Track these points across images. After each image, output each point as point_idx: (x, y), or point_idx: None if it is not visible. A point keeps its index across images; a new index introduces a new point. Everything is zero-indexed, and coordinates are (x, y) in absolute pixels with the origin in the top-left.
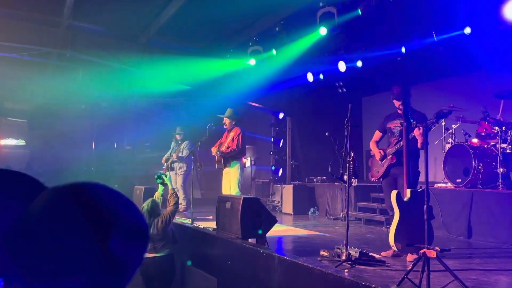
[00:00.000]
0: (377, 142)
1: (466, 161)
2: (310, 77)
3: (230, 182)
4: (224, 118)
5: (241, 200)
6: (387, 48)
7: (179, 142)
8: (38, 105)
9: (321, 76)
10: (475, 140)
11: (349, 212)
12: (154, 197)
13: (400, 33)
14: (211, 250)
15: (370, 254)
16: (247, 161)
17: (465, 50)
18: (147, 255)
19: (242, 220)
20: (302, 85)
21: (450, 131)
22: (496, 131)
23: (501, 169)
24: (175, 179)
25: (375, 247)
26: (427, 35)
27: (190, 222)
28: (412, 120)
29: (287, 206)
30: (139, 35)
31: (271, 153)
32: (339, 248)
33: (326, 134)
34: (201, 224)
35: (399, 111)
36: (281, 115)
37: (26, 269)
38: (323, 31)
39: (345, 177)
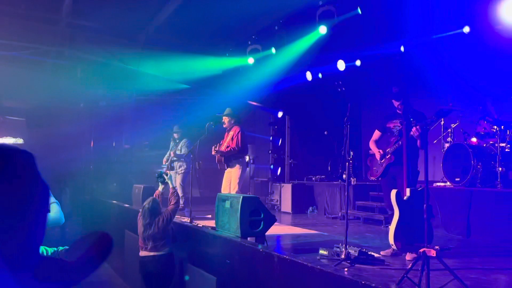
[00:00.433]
0: (377, 142)
1: (465, 160)
2: (309, 76)
3: (231, 181)
4: (223, 117)
5: (241, 199)
6: (386, 47)
7: (177, 140)
8: (36, 104)
9: (320, 75)
10: (474, 139)
11: (348, 211)
12: (154, 196)
13: (399, 32)
14: (210, 249)
15: (369, 253)
16: (248, 158)
17: (464, 48)
18: (148, 253)
19: (242, 219)
20: (301, 84)
21: (449, 130)
22: (495, 130)
23: (500, 168)
24: (175, 178)
25: (374, 246)
26: (425, 34)
27: (189, 221)
28: (412, 119)
29: (286, 205)
30: (138, 34)
31: (269, 152)
32: (338, 247)
33: (325, 133)
34: (200, 223)
35: (398, 111)
36: (280, 114)
37: None
38: (322, 29)
39: (344, 176)
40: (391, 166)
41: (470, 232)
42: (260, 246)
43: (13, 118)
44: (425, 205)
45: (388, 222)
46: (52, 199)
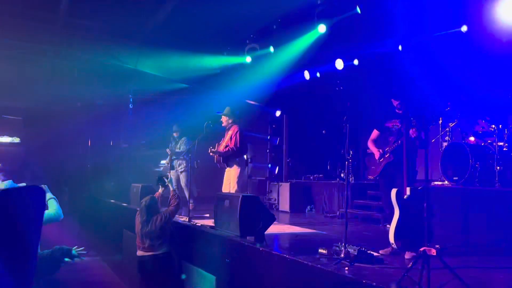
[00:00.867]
0: (375, 141)
1: (463, 159)
2: (307, 75)
3: (230, 180)
4: (222, 116)
5: (240, 198)
6: (384, 46)
7: (177, 139)
8: (34, 103)
9: (318, 74)
10: (472, 138)
11: (347, 209)
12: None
13: (397, 31)
14: (210, 248)
15: (368, 252)
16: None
17: (462, 47)
18: (145, 253)
19: (241, 218)
20: (299, 83)
21: (447, 129)
22: (493, 129)
23: (498, 167)
24: (176, 177)
25: (372, 245)
26: (424, 33)
27: (187, 220)
28: (412, 118)
29: (284, 204)
30: (135, 33)
31: (267, 151)
32: (337, 246)
33: (323, 132)
34: (199, 222)
35: (397, 110)
36: (277, 113)
37: None
38: (321, 28)
39: (343, 175)
40: (390, 165)
41: (469, 231)
42: (259, 245)
43: (10, 117)
44: (425, 204)
45: (386, 221)
46: (49, 195)
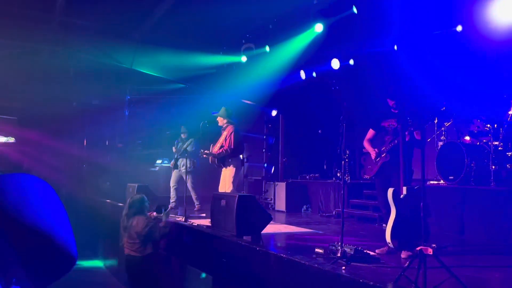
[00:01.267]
0: (371, 141)
1: (458, 159)
2: (303, 74)
3: (226, 180)
4: (218, 117)
5: (236, 198)
6: (380, 46)
7: (185, 140)
8: (29, 102)
9: (314, 74)
10: (467, 138)
11: (344, 209)
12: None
13: (393, 31)
14: (206, 248)
15: (365, 251)
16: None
17: (457, 47)
18: (128, 252)
19: (237, 217)
20: (295, 82)
21: (443, 128)
22: (488, 129)
23: (493, 167)
24: (177, 176)
25: (368, 244)
26: (419, 33)
27: (183, 220)
28: (408, 118)
29: (280, 203)
30: (132, 32)
31: (263, 150)
32: (334, 246)
33: (319, 131)
34: (195, 222)
35: (393, 110)
36: (274, 113)
37: None
38: (318, 28)
39: (339, 174)
40: (386, 165)
41: (464, 230)
42: (256, 245)
43: (4, 117)
44: (422, 204)
45: (382, 220)
46: None
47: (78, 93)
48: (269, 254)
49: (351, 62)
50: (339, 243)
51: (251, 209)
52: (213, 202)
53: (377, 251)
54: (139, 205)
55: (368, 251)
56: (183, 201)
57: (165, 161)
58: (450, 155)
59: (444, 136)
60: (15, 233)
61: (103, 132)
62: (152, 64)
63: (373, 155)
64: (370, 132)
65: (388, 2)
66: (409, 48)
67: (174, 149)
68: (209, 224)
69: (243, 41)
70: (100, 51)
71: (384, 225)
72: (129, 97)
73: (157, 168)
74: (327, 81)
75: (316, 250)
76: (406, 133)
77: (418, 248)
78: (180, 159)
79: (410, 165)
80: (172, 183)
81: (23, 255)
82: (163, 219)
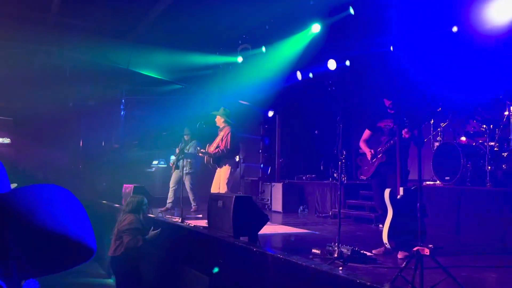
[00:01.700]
0: (367, 141)
1: (454, 159)
2: (299, 75)
3: (220, 181)
4: (217, 116)
5: (233, 199)
6: (376, 47)
7: (188, 142)
8: (25, 103)
9: (310, 75)
10: (463, 138)
11: (340, 210)
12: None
13: (390, 31)
14: (203, 249)
15: (361, 252)
16: (238, 158)
17: (453, 47)
18: (113, 253)
19: (234, 218)
20: (292, 83)
21: (439, 129)
22: (484, 129)
23: (489, 167)
24: (177, 177)
25: (365, 245)
26: (415, 33)
27: (180, 221)
28: (405, 119)
29: (277, 204)
30: (128, 33)
31: (260, 151)
32: (331, 246)
33: (316, 132)
34: (192, 223)
35: (389, 110)
36: (270, 113)
37: None
38: (315, 28)
39: (336, 175)
40: (383, 166)
41: (460, 230)
42: (253, 246)
43: (0, 117)
44: (418, 204)
45: (379, 220)
46: None
47: (74, 93)
48: (266, 254)
49: (347, 63)
50: (336, 244)
51: (248, 210)
52: (210, 203)
53: (374, 251)
54: (136, 205)
55: (365, 252)
56: (180, 202)
57: (162, 162)
58: (446, 155)
59: (440, 137)
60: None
61: (99, 132)
62: (148, 65)
63: (368, 156)
64: (366, 133)
65: (385, 3)
66: (405, 49)
67: (177, 150)
68: (206, 225)
69: (240, 42)
70: (96, 51)
71: (380, 225)
72: (125, 98)
73: (154, 169)
74: (324, 82)
75: (313, 250)
76: (405, 131)
77: (415, 249)
78: (182, 160)
79: (406, 166)
80: (172, 183)
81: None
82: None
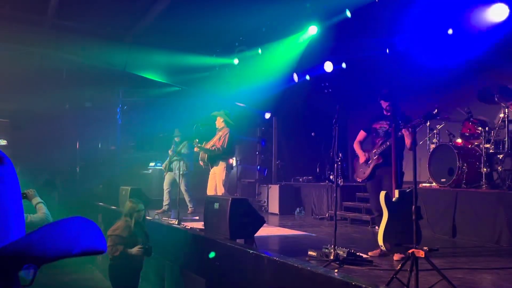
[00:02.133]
0: (361, 143)
1: (450, 161)
2: (296, 77)
3: (216, 182)
4: (217, 117)
5: (230, 201)
6: (373, 49)
7: (178, 143)
8: (21, 105)
9: (307, 77)
10: (459, 140)
11: (336, 212)
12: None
13: (386, 34)
14: (199, 251)
15: (357, 254)
16: (233, 161)
17: (449, 49)
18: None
19: (231, 220)
20: (289, 85)
21: (435, 131)
22: (479, 132)
23: (485, 169)
24: (170, 179)
25: (361, 247)
26: (412, 35)
27: (177, 223)
28: (400, 121)
29: (273, 206)
30: (124, 35)
31: (257, 153)
32: (327, 248)
33: (312, 134)
34: (188, 225)
35: (385, 112)
36: (267, 115)
37: None
38: (312, 31)
39: (332, 177)
40: (378, 168)
41: (456, 232)
42: (249, 248)
43: None
44: (413, 207)
45: (375, 223)
46: (38, 199)
47: (70, 95)
48: (262, 257)
49: (344, 65)
50: (332, 246)
51: (244, 212)
52: (206, 205)
53: (369, 253)
54: (128, 210)
55: (360, 254)
56: (176, 204)
57: (158, 164)
58: (442, 157)
59: (436, 139)
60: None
61: (96, 134)
62: (145, 67)
63: (362, 158)
64: (361, 134)
65: (382, 6)
66: (401, 52)
67: (170, 152)
68: (202, 227)
69: (236, 44)
70: (93, 53)
71: (376, 227)
72: (122, 100)
73: (150, 170)
74: (320, 84)
75: (309, 252)
76: (401, 132)
77: (409, 251)
78: (174, 162)
79: (401, 168)
80: (165, 186)
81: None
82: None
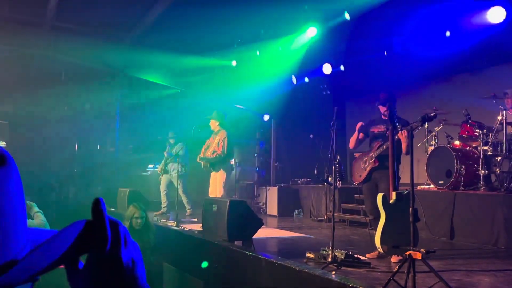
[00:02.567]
0: (360, 141)
1: (448, 163)
2: (294, 79)
3: (217, 185)
4: (211, 120)
5: (228, 203)
6: (371, 52)
7: (173, 145)
8: (20, 107)
9: (306, 79)
10: (457, 143)
11: (334, 214)
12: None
13: (384, 36)
14: (197, 253)
15: (355, 255)
16: (233, 162)
17: (447, 52)
18: None
19: (229, 222)
20: (287, 87)
21: (433, 133)
22: (477, 134)
23: (483, 171)
24: (166, 181)
25: (359, 249)
26: (410, 38)
27: (175, 225)
28: (398, 124)
29: (272, 208)
30: (123, 37)
31: (255, 155)
32: (324, 250)
33: (311, 136)
34: (187, 227)
35: (383, 117)
36: (266, 117)
37: None
38: (310, 33)
39: (330, 179)
40: (375, 171)
41: (454, 234)
42: (247, 250)
43: None
44: (411, 209)
45: (372, 226)
46: (35, 209)
47: (69, 97)
48: (260, 259)
49: (342, 68)
50: (330, 248)
51: (242, 214)
52: (205, 207)
53: (367, 255)
54: (127, 214)
55: (358, 256)
56: (175, 205)
57: (157, 166)
58: (440, 160)
59: (434, 141)
60: None
61: (94, 136)
62: (144, 69)
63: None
64: (360, 134)
65: (380, 8)
66: (399, 54)
67: (165, 154)
68: (201, 229)
69: (235, 46)
70: (92, 55)
71: (373, 230)
72: (120, 102)
73: (149, 172)
74: (319, 86)
75: (307, 254)
76: (397, 136)
77: (407, 253)
78: (170, 164)
79: (397, 171)
80: (162, 188)
81: None
82: None
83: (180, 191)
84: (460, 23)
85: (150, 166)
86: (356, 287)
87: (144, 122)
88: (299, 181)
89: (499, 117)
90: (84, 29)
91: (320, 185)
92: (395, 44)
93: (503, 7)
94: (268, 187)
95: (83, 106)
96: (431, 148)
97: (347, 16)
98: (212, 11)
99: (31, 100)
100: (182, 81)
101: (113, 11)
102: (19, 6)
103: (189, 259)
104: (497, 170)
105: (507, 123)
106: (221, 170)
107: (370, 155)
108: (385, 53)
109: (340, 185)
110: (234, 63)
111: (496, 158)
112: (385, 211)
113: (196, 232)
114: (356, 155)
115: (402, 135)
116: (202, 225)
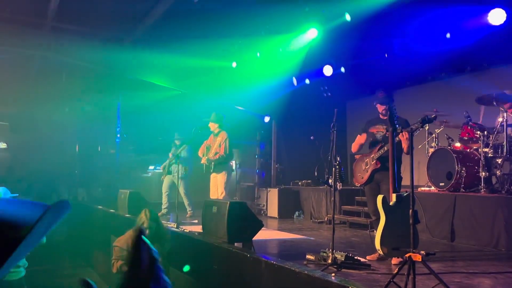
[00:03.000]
0: (362, 145)
1: (449, 165)
2: (295, 81)
3: (218, 186)
4: (210, 123)
5: (228, 205)
6: (371, 54)
7: (178, 147)
8: (21, 108)
9: (307, 81)
10: (458, 144)
11: (334, 216)
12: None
13: (383, 37)
14: (197, 255)
15: (355, 257)
16: (233, 163)
17: (447, 54)
18: None
19: (229, 224)
20: (288, 89)
21: (434, 135)
22: (478, 136)
23: (483, 173)
24: (169, 182)
25: (360, 251)
26: (409, 40)
27: (175, 226)
28: (397, 125)
29: (272, 209)
30: (124, 38)
31: (256, 156)
32: (325, 252)
33: (311, 137)
34: (187, 228)
35: (381, 116)
36: (266, 119)
37: None
38: (311, 34)
39: (331, 181)
40: (376, 172)
41: (454, 236)
42: (247, 252)
43: None
44: (411, 210)
45: (373, 227)
46: None
47: (70, 98)
48: (260, 260)
49: (343, 69)
50: (330, 250)
51: (242, 216)
52: (205, 208)
53: (368, 257)
54: (137, 221)
55: (358, 258)
56: (175, 207)
57: (158, 167)
58: (441, 161)
59: (435, 143)
60: None
61: (95, 137)
62: (145, 70)
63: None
64: (362, 137)
65: (381, 10)
66: (400, 56)
67: (170, 155)
68: (201, 231)
69: (236, 47)
70: (93, 56)
71: (374, 231)
72: (121, 103)
73: (150, 174)
74: (319, 88)
75: (307, 256)
76: (406, 138)
77: (407, 255)
78: (174, 165)
79: (399, 172)
80: (164, 189)
81: None
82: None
83: (181, 192)
84: (460, 25)
85: (151, 167)
86: None
87: (145, 123)
88: (299, 183)
89: (500, 119)
90: (85, 30)
91: (320, 187)
92: (396, 46)
93: (503, 9)
94: (268, 189)
95: (84, 107)
96: (431, 150)
97: (348, 17)
98: (212, 12)
99: (32, 101)
100: (182, 83)
101: (114, 12)
102: (20, 7)
103: (189, 260)
104: (497, 172)
105: (508, 125)
106: (222, 171)
107: (371, 156)
108: (386, 55)
109: (341, 187)
110: (234, 64)
111: (497, 160)
112: (385, 213)
113: (196, 233)
114: (357, 156)
115: (403, 137)
116: (202, 226)
